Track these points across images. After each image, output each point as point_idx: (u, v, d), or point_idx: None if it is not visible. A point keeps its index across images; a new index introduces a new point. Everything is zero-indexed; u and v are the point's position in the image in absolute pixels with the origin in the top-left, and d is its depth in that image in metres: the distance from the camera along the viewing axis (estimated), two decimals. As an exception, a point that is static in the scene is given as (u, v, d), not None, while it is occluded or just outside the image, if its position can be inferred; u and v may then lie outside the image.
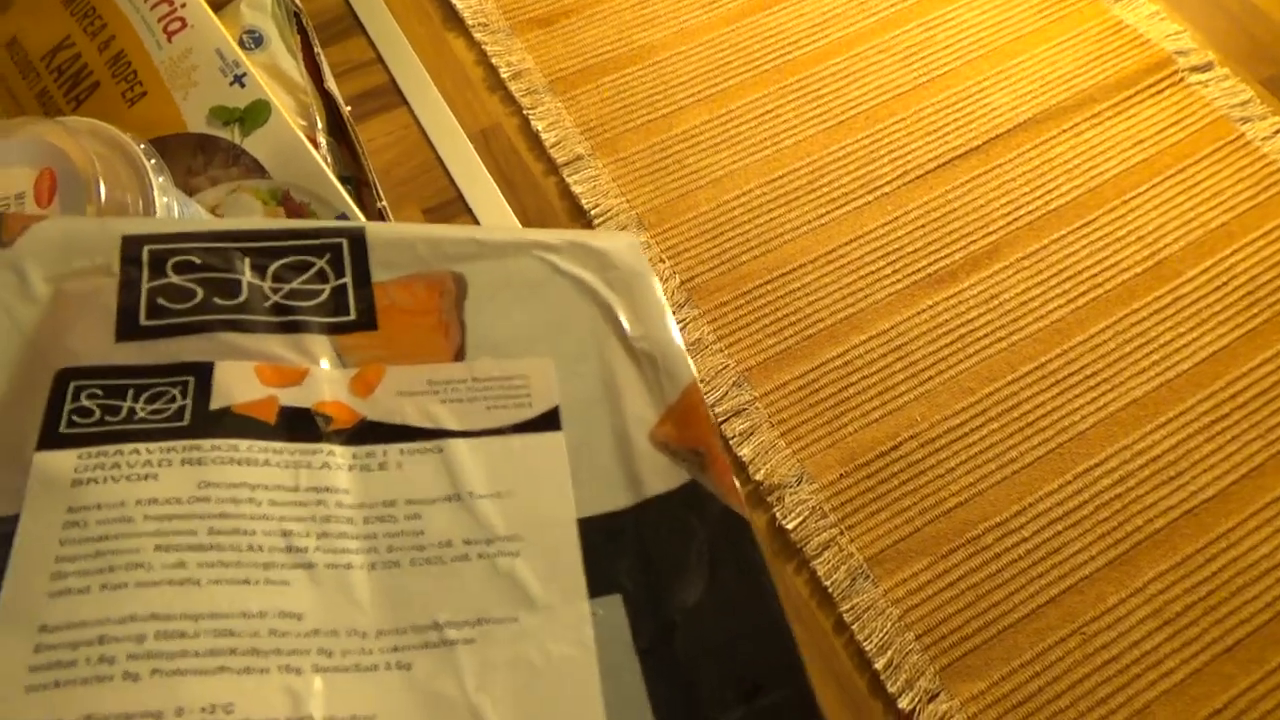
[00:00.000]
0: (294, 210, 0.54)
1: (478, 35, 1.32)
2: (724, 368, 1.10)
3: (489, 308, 0.36)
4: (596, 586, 0.30)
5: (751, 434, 1.06)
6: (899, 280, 1.16)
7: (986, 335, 1.12)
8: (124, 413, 0.31)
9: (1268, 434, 1.07)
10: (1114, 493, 1.03)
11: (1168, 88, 1.31)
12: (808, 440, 1.05)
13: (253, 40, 0.60)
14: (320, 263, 0.36)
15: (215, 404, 0.31)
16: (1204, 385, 1.10)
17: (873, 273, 1.16)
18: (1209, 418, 1.08)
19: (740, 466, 1.05)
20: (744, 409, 1.07)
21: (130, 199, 0.41)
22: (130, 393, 0.31)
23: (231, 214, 0.52)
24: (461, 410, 0.33)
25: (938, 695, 0.93)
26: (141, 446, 0.30)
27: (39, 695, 0.25)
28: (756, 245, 1.17)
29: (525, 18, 1.34)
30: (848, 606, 0.97)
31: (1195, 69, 1.33)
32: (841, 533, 1.01)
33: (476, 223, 1.13)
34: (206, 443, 0.30)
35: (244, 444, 0.31)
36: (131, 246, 0.35)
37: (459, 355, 0.35)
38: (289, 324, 0.34)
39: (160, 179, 0.43)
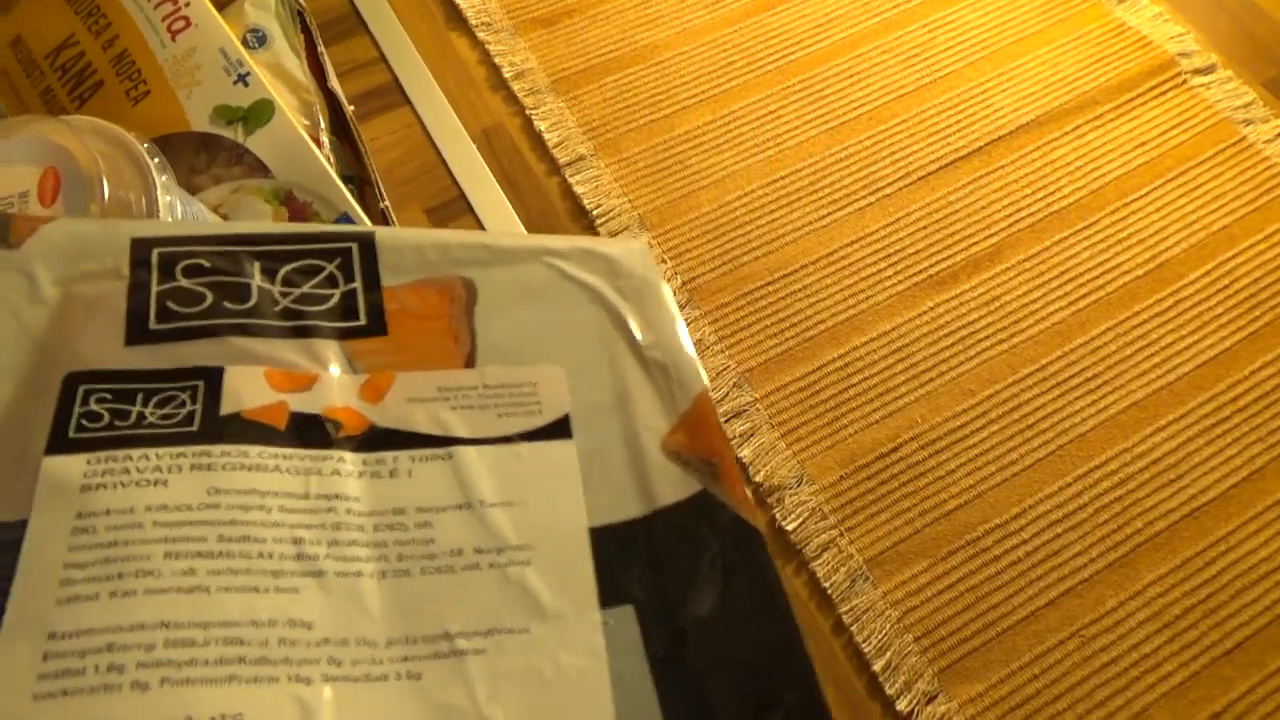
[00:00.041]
0: (296, 210, 0.54)
1: (481, 35, 1.32)
2: (725, 369, 1.10)
3: (499, 314, 0.36)
4: (608, 597, 0.30)
5: (752, 435, 1.05)
6: (900, 282, 1.15)
7: (987, 337, 1.12)
8: (133, 417, 0.30)
9: (1268, 437, 1.07)
10: (1114, 495, 1.03)
11: (1170, 90, 1.31)
12: (808, 442, 1.05)
13: (256, 39, 0.60)
14: (330, 267, 0.35)
15: (225, 409, 0.31)
16: (1205, 388, 1.10)
17: (874, 274, 1.16)
18: (1209, 420, 1.08)
19: (741, 468, 1.05)
20: (744, 410, 1.07)
21: (133, 198, 0.41)
22: (140, 397, 0.31)
23: (240, 216, 0.51)
24: (472, 417, 0.33)
25: (936, 697, 0.93)
26: (151, 452, 0.30)
27: (47, 704, 0.25)
28: (758, 246, 1.17)
29: (528, 17, 1.34)
30: (847, 608, 0.97)
31: (1198, 71, 1.33)
32: (841, 534, 1.01)
33: (479, 222, 1.13)
34: (216, 448, 0.30)
35: (254, 450, 0.31)
36: (141, 249, 0.34)
37: (469, 361, 0.34)
38: (299, 329, 0.34)
39: (163, 178, 0.43)
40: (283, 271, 0.35)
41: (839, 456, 1.05)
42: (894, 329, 1.12)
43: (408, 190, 1.16)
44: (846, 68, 1.32)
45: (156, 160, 0.43)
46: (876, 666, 0.94)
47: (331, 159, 0.57)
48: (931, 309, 1.14)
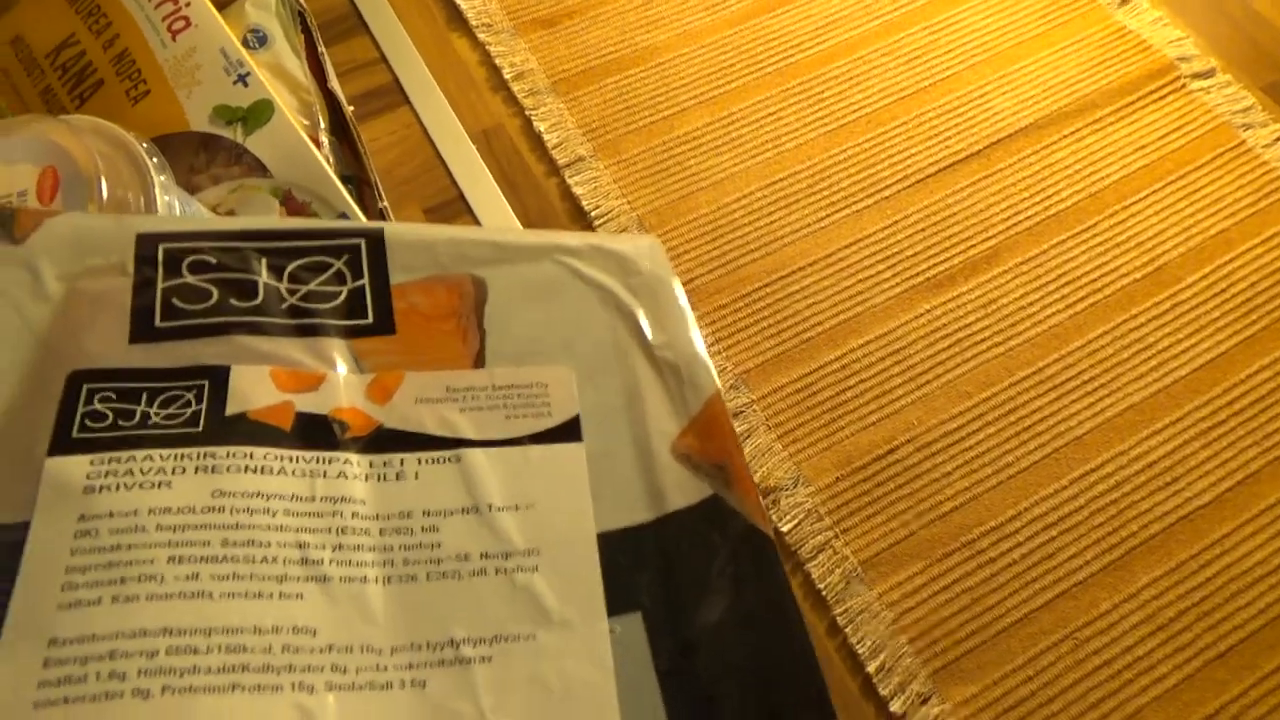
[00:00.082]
0: (295, 210, 0.53)
1: (481, 36, 1.31)
2: (722, 370, 1.09)
3: (509, 313, 0.35)
4: (616, 604, 0.30)
5: (748, 436, 1.05)
6: (898, 284, 1.15)
7: (984, 340, 1.12)
8: (137, 417, 0.30)
9: (1264, 441, 1.07)
10: (1110, 498, 1.03)
11: (1169, 94, 1.31)
12: (804, 443, 1.05)
13: (257, 39, 0.60)
14: (338, 264, 0.35)
15: (231, 409, 0.31)
16: (1201, 392, 1.10)
17: (871, 276, 1.16)
18: (1206, 424, 1.08)
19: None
20: (741, 411, 1.07)
21: (132, 197, 0.41)
22: (144, 396, 0.31)
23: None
24: (480, 419, 0.32)
25: (930, 699, 0.93)
26: (155, 453, 0.29)
27: (47, 711, 0.25)
28: (756, 248, 1.17)
29: (529, 18, 1.34)
30: (841, 609, 0.97)
31: (1197, 75, 1.33)
32: (837, 536, 1.00)
33: (477, 223, 1.12)
34: (221, 450, 0.30)
35: (259, 451, 0.30)
36: (146, 245, 0.34)
37: (478, 361, 0.34)
38: (306, 327, 0.33)
39: (162, 177, 0.42)
40: (290, 268, 0.34)
41: (835, 458, 1.05)
42: (891, 331, 1.12)
43: (407, 190, 1.16)
44: (847, 70, 1.32)
45: (155, 160, 0.42)
46: (871, 668, 0.94)
47: (331, 159, 0.57)
48: (929, 311, 1.14)
